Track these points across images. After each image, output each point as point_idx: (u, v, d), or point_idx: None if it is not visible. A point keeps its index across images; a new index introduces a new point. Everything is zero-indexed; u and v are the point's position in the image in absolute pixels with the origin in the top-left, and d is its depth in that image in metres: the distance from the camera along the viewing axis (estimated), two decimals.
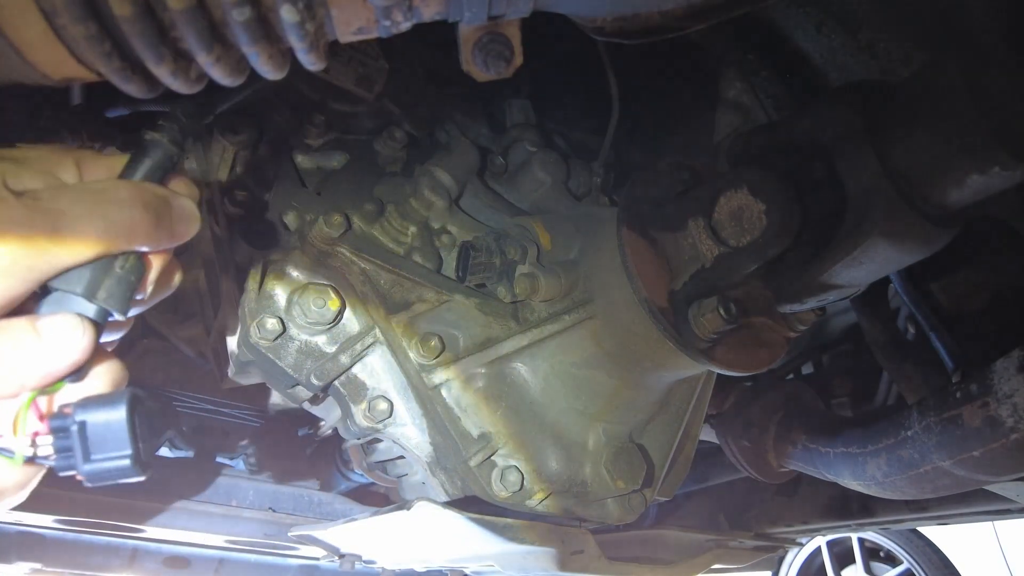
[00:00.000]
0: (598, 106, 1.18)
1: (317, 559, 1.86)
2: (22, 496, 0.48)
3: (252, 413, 1.96)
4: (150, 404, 0.50)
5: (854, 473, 0.98)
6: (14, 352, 0.45)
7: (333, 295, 0.92)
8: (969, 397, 0.79)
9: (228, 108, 0.93)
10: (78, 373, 0.49)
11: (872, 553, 3.50)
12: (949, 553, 3.25)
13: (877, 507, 1.56)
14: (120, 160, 0.52)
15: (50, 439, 0.46)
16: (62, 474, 0.47)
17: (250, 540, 1.61)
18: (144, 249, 0.51)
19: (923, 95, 0.68)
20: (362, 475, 1.56)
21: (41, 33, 0.40)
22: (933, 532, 3.26)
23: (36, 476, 0.48)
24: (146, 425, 0.48)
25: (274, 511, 1.59)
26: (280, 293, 0.93)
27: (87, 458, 0.46)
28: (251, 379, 1.04)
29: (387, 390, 0.95)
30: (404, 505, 0.92)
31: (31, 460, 0.46)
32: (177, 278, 0.57)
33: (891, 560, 3.42)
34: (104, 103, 0.97)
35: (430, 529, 0.96)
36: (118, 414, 0.47)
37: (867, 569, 3.46)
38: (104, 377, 0.51)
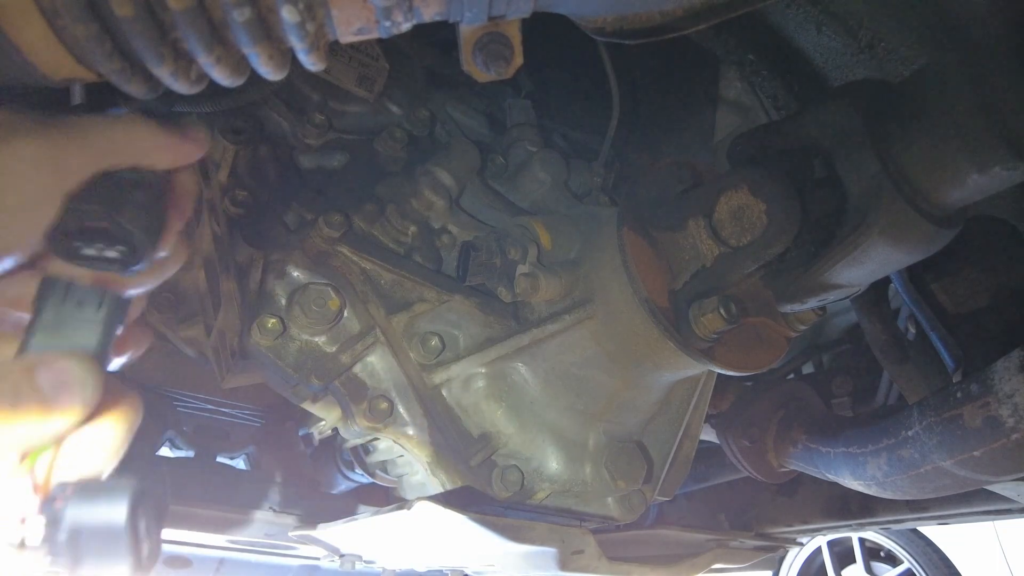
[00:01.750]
0: (598, 106, 1.18)
1: (318, 559, 1.86)
2: None
3: (252, 413, 1.96)
4: (154, 491, 0.43)
5: (854, 473, 0.98)
6: (12, 410, 0.39)
7: (333, 295, 0.92)
8: (970, 397, 0.78)
9: (228, 108, 0.93)
10: None
11: (873, 553, 3.50)
12: (950, 553, 3.25)
13: (878, 507, 1.56)
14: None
15: (42, 522, 0.39)
16: (51, 568, 0.40)
17: (251, 540, 1.61)
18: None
19: (923, 95, 0.68)
20: (362, 475, 1.56)
21: (42, 33, 0.40)
22: (934, 532, 3.26)
23: (28, 570, 0.40)
24: (150, 518, 0.42)
25: (275, 511, 1.59)
26: (280, 293, 0.93)
27: (78, 562, 0.39)
28: (251, 379, 1.04)
29: (387, 390, 0.95)
30: (404, 505, 0.92)
31: (20, 547, 0.39)
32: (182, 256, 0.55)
33: (892, 560, 3.42)
34: (105, 103, 0.97)
35: (430, 529, 0.96)
36: (117, 516, 0.39)
37: (868, 569, 3.46)
38: (113, 419, 0.44)
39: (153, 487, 0.43)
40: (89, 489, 0.40)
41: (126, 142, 0.48)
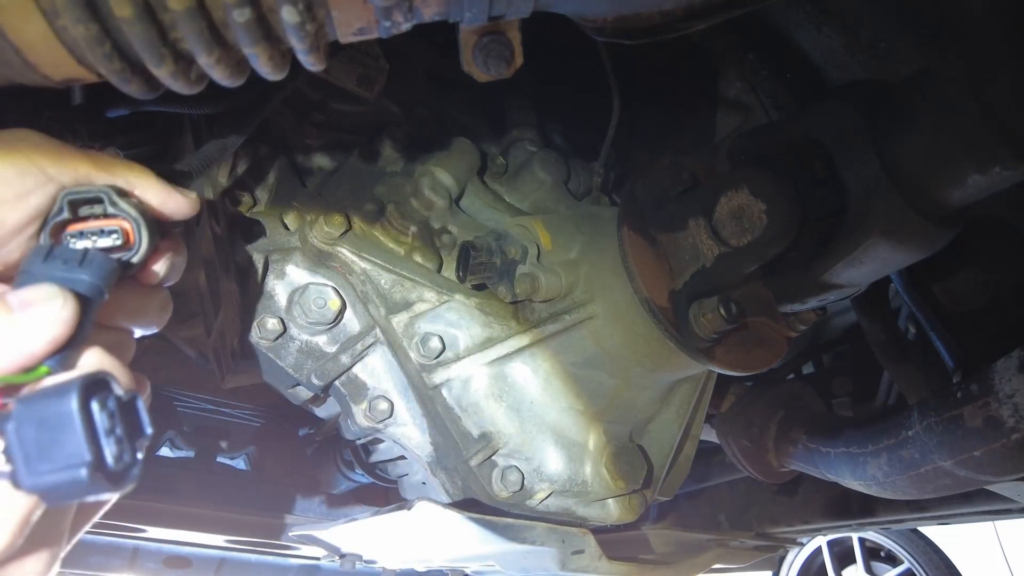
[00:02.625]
0: (598, 106, 1.18)
1: (318, 559, 1.86)
2: (12, 537, 0.38)
3: (253, 413, 1.96)
4: (121, 392, 0.39)
5: (855, 473, 0.98)
6: None
7: (334, 295, 0.92)
8: (970, 397, 0.78)
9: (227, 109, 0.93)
10: (60, 358, 0.40)
11: (873, 553, 3.50)
12: (950, 553, 3.25)
13: (878, 507, 1.56)
14: None
15: None
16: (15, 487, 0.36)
17: (251, 540, 1.61)
18: None
19: (924, 94, 0.68)
20: (363, 475, 1.56)
21: (42, 34, 0.40)
22: (934, 532, 3.26)
23: (21, 512, 0.37)
24: (116, 417, 0.38)
25: (275, 511, 1.59)
26: (281, 293, 0.93)
27: (31, 468, 0.35)
28: (251, 379, 1.04)
29: (388, 390, 0.96)
30: (405, 505, 0.92)
31: None
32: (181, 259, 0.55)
33: (892, 560, 3.42)
34: (105, 103, 0.97)
35: (431, 529, 0.96)
36: (67, 405, 0.35)
37: (868, 569, 3.46)
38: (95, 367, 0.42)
39: (121, 392, 0.39)
40: (43, 388, 0.37)
41: (125, 168, 0.49)
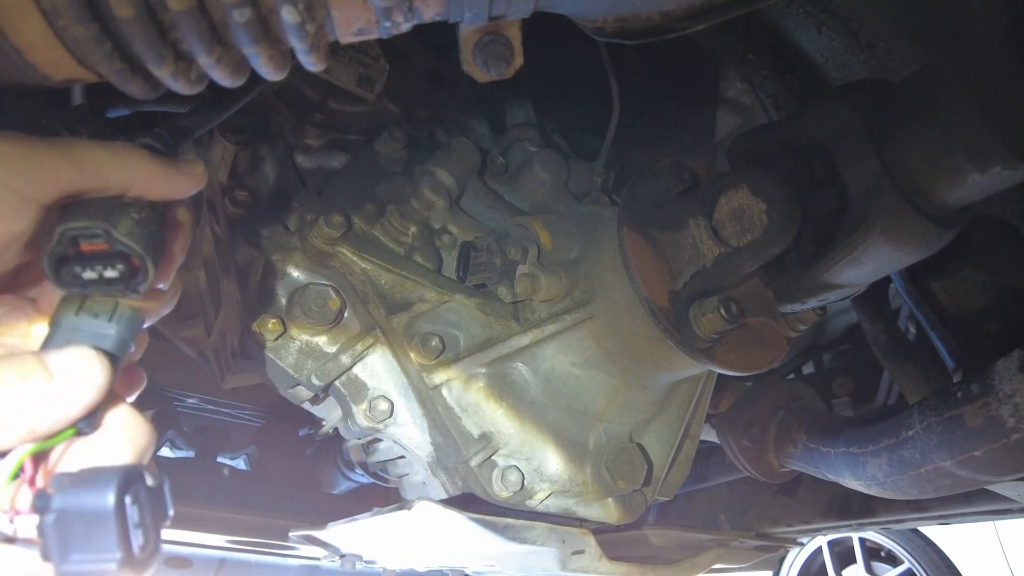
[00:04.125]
0: (598, 106, 1.18)
1: (318, 559, 1.86)
2: None
3: (253, 413, 1.96)
4: (151, 480, 0.40)
5: (855, 473, 0.98)
6: (20, 391, 0.38)
7: (334, 295, 0.92)
8: (970, 397, 0.78)
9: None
10: (90, 419, 0.42)
11: (873, 553, 3.50)
12: (950, 553, 3.25)
13: (878, 507, 1.56)
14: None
15: (35, 519, 0.37)
16: (42, 560, 0.37)
17: (251, 540, 1.61)
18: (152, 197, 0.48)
19: (924, 94, 0.68)
20: (363, 475, 1.56)
21: (42, 34, 0.40)
22: (934, 532, 3.26)
23: (24, 565, 0.38)
24: (145, 509, 0.39)
25: (275, 511, 1.59)
26: (281, 293, 0.93)
27: (65, 556, 0.36)
28: (251, 379, 1.04)
29: (388, 390, 0.96)
30: (405, 505, 0.92)
31: (9, 540, 0.37)
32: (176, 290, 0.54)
33: (892, 560, 3.42)
34: (105, 103, 0.97)
35: (431, 529, 0.96)
36: (103, 499, 0.37)
37: (868, 569, 3.46)
38: (120, 431, 0.43)
39: (151, 481, 0.41)
40: (80, 475, 0.39)
41: (115, 165, 0.46)
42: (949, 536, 3.26)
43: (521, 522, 0.95)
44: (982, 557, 3.38)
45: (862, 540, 3.48)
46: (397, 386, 0.96)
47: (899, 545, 3.32)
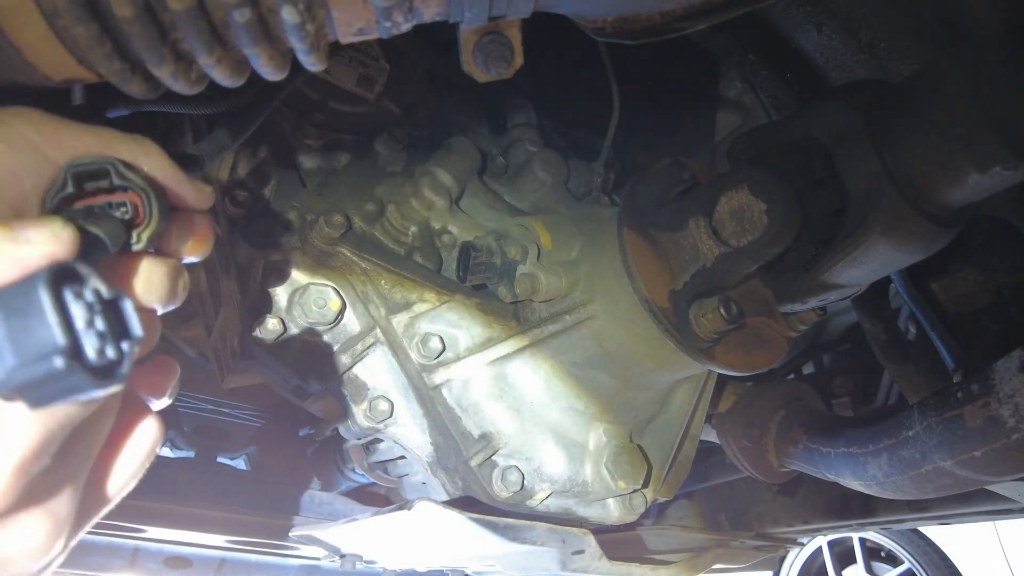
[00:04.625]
0: (598, 106, 1.18)
1: (318, 559, 1.86)
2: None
3: (253, 413, 1.96)
4: (104, 289, 0.34)
5: (855, 473, 0.98)
6: None
7: (334, 295, 0.92)
8: (970, 397, 0.78)
9: (228, 109, 0.92)
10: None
11: (873, 553, 3.50)
12: (950, 553, 3.25)
13: (878, 507, 1.56)
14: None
15: None
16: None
17: (251, 540, 1.61)
18: None
19: (924, 94, 0.68)
20: (363, 475, 1.56)
21: (42, 34, 0.40)
22: (934, 532, 3.26)
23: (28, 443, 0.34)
24: (96, 312, 0.33)
25: (275, 511, 1.59)
26: (281, 293, 0.93)
27: (3, 364, 0.30)
28: (251, 379, 1.04)
29: (388, 390, 0.96)
30: (405, 505, 0.92)
31: None
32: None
33: (892, 560, 3.42)
34: (105, 103, 0.97)
35: (431, 529, 0.96)
36: (33, 290, 0.31)
37: (868, 569, 3.46)
38: (136, 448, 0.45)
39: (105, 290, 0.35)
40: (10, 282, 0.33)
41: (132, 151, 0.46)
42: (949, 536, 3.26)
43: (521, 522, 0.95)
44: (982, 557, 3.38)
45: (862, 540, 3.48)
46: (397, 386, 0.96)
47: (899, 545, 3.32)
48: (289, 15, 0.42)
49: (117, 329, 0.35)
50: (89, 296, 0.34)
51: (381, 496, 1.81)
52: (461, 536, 0.96)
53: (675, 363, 0.93)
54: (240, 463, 2.04)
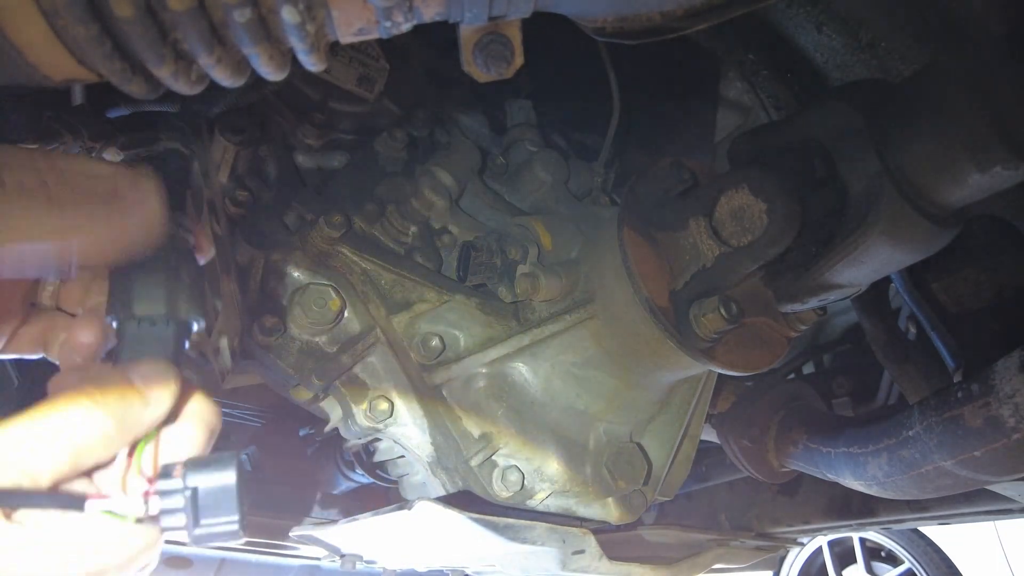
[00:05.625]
0: (598, 106, 1.18)
1: (318, 559, 1.86)
2: (152, 559, 0.46)
3: (253, 413, 1.96)
4: (247, 464, 0.49)
5: (855, 473, 0.98)
6: (122, 411, 0.45)
7: (334, 295, 0.92)
8: (970, 397, 0.78)
9: (228, 108, 0.93)
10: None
11: (873, 553, 3.50)
12: (951, 553, 3.25)
13: (878, 507, 1.56)
14: None
15: (158, 499, 0.45)
16: (167, 536, 0.46)
17: (251, 540, 1.61)
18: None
19: (924, 94, 0.68)
20: (363, 475, 1.56)
21: (42, 34, 0.40)
22: (935, 532, 3.26)
23: (160, 538, 0.46)
24: (246, 486, 0.47)
25: (275, 511, 1.59)
26: (281, 293, 0.93)
27: (197, 522, 0.45)
28: (251, 379, 1.04)
29: (388, 390, 0.95)
30: (405, 505, 0.92)
31: (144, 520, 0.44)
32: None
33: (892, 560, 3.42)
34: (105, 103, 0.97)
35: (431, 529, 0.96)
36: (228, 479, 0.45)
37: (868, 569, 3.46)
38: (196, 418, 0.50)
39: (247, 463, 0.48)
40: (200, 460, 0.46)
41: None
42: (949, 536, 3.26)
43: (521, 522, 0.95)
44: (982, 557, 3.38)
45: (862, 540, 3.48)
46: (397, 386, 0.96)
47: (899, 545, 3.32)
48: (289, 15, 0.42)
49: (249, 489, 0.48)
50: (245, 473, 0.47)
51: (381, 496, 1.81)
52: (461, 536, 0.96)
53: (675, 363, 0.93)
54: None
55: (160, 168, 0.54)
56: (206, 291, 0.55)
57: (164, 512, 0.44)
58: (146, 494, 0.44)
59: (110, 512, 0.42)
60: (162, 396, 0.47)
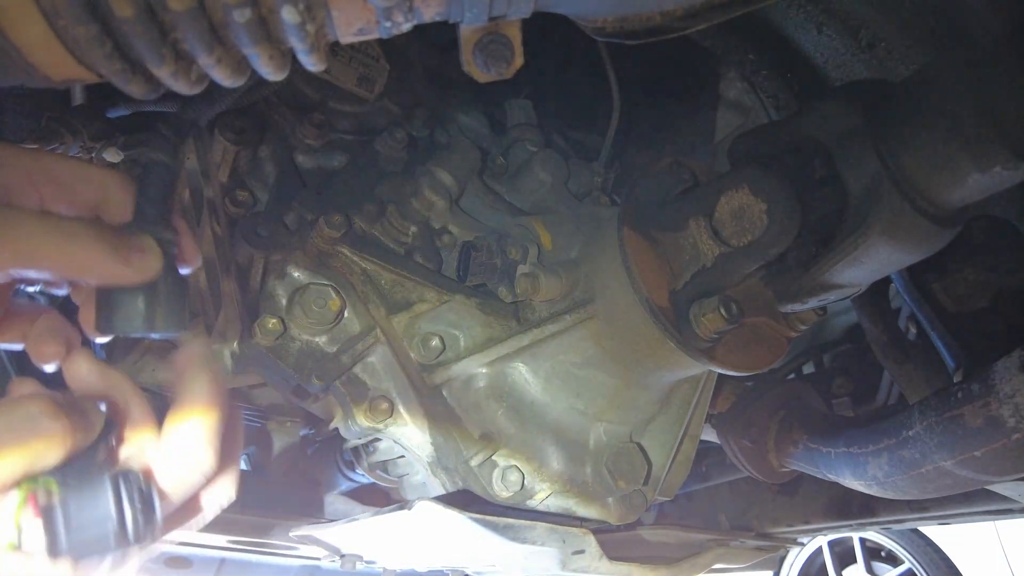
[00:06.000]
0: (598, 106, 1.18)
1: (318, 559, 1.86)
2: None
3: (253, 413, 1.96)
4: (142, 482, 0.48)
5: (855, 473, 0.98)
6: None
7: (334, 295, 0.92)
8: (970, 397, 0.78)
9: (228, 109, 0.93)
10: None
11: (873, 553, 3.50)
12: (951, 553, 3.25)
13: (878, 507, 1.56)
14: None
15: (39, 523, 0.44)
16: (54, 557, 0.44)
17: (251, 540, 1.61)
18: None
19: (924, 94, 0.68)
20: (363, 475, 1.56)
21: (42, 34, 0.40)
22: (935, 532, 3.26)
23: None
24: (135, 499, 0.47)
25: (275, 511, 1.59)
26: (281, 293, 0.93)
27: (69, 535, 0.44)
28: (251, 379, 1.04)
29: (388, 390, 0.96)
30: (405, 505, 0.92)
31: (19, 547, 0.43)
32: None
33: (892, 560, 3.42)
34: (105, 103, 0.97)
35: (431, 529, 0.96)
36: (100, 486, 0.45)
37: (868, 569, 3.46)
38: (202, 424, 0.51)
39: (142, 482, 0.48)
40: (72, 484, 0.45)
41: (54, 249, 0.48)
42: (949, 536, 3.26)
43: (521, 522, 0.95)
44: (982, 557, 3.38)
45: (862, 540, 3.48)
46: (397, 386, 0.96)
47: (899, 545, 3.32)
48: (289, 15, 0.42)
49: (147, 509, 0.48)
50: (133, 490, 0.47)
51: (381, 496, 1.81)
52: (461, 536, 0.96)
53: (675, 363, 0.93)
54: (240, 463, 2.04)
55: (143, 179, 0.55)
56: (187, 301, 0.55)
57: (46, 532, 0.43)
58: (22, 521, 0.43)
59: None
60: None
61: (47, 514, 0.44)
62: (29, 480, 0.45)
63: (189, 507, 0.54)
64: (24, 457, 0.44)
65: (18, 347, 0.56)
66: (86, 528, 0.44)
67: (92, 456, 0.49)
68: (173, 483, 0.51)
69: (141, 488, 0.48)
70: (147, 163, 0.56)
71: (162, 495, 0.50)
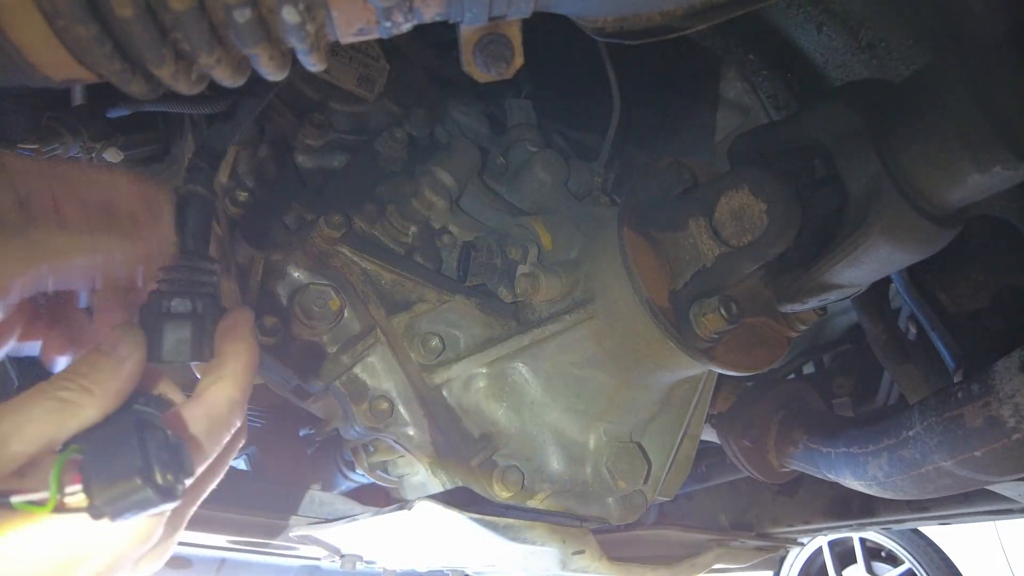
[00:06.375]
0: (598, 106, 1.18)
1: (318, 559, 1.86)
2: (130, 556, 0.48)
3: (253, 413, 1.96)
4: (170, 434, 0.49)
5: (855, 473, 0.98)
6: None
7: (334, 295, 0.92)
8: (970, 397, 0.78)
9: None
10: None
11: (874, 553, 3.50)
12: (951, 553, 3.25)
13: (878, 507, 1.56)
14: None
15: (79, 486, 0.45)
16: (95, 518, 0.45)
17: (251, 540, 1.60)
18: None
19: (924, 94, 0.68)
20: (363, 475, 1.56)
21: (42, 34, 0.40)
22: (935, 532, 3.26)
23: (153, 530, 0.48)
24: (164, 449, 0.47)
25: (275, 511, 1.59)
26: (281, 293, 0.93)
27: (101, 492, 0.45)
28: None
29: (388, 390, 0.95)
30: (405, 505, 0.92)
31: (61, 509, 0.44)
32: None
33: (893, 560, 3.42)
34: (105, 103, 0.97)
35: (431, 529, 0.96)
36: (127, 431, 0.46)
37: (869, 569, 3.46)
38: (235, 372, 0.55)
39: (170, 435, 0.49)
40: (102, 424, 0.47)
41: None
42: (949, 536, 3.26)
43: (521, 522, 0.95)
44: (982, 557, 3.38)
45: (862, 540, 3.48)
46: (397, 386, 0.96)
47: (899, 545, 3.32)
48: (289, 15, 0.42)
49: (176, 459, 0.48)
50: (160, 438, 0.48)
51: (381, 496, 1.81)
52: (461, 536, 0.96)
53: (675, 363, 0.93)
54: (240, 463, 2.04)
55: (182, 211, 0.57)
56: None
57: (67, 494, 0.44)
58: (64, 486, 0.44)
59: (28, 504, 0.43)
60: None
61: (86, 475, 0.45)
62: (67, 443, 0.47)
63: (216, 465, 0.56)
64: (58, 418, 0.46)
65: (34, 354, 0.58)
66: (121, 487, 0.45)
67: (126, 414, 0.50)
68: (207, 439, 0.52)
69: (173, 444, 0.49)
70: (185, 195, 0.58)
71: (195, 450, 0.51)
